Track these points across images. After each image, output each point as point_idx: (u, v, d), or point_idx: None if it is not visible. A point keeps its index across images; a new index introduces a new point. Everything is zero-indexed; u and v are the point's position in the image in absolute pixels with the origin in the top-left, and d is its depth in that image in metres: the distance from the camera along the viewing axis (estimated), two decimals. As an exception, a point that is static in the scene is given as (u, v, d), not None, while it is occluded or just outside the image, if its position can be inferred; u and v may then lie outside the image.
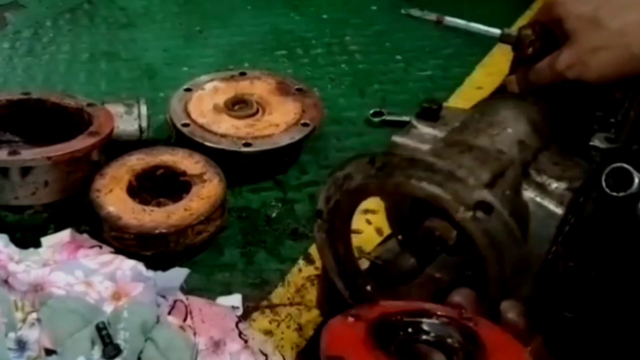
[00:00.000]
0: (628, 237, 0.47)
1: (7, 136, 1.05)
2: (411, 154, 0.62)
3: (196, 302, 0.81)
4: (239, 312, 0.84)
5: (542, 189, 0.62)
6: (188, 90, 1.17)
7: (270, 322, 0.84)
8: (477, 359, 0.48)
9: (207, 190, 0.94)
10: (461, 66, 1.40)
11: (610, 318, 0.49)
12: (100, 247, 0.88)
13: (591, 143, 0.66)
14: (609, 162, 0.48)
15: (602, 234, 0.49)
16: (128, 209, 0.91)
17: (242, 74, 1.21)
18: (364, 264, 0.67)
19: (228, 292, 0.87)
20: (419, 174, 0.57)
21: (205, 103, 1.13)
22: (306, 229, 0.99)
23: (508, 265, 0.55)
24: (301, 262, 0.93)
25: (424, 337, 0.52)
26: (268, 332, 0.82)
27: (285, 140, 1.07)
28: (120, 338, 0.72)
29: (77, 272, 0.81)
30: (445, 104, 0.73)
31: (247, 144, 1.04)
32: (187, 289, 0.83)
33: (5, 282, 0.79)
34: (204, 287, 0.88)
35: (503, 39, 0.74)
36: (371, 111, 1.24)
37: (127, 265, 0.83)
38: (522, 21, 1.51)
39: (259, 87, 1.18)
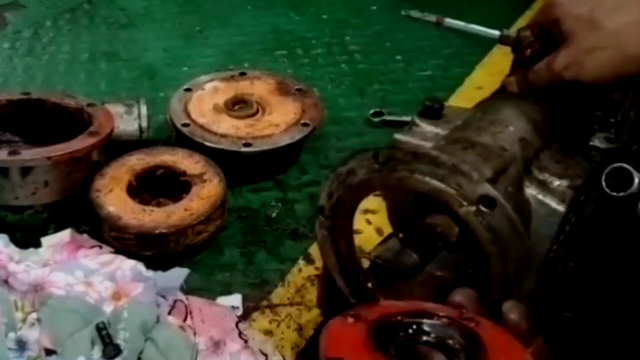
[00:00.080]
0: (628, 237, 0.47)
1: (7, 136, 1.05)
2: (414, 149, 0.62)
3: (196, 302, 0.81)
4: (239, 312, 0.84)
5: (544, 186, 0.62)
6: (188, 90, 1.17)
7: (270, 322, 0.84)
8: None
9: (207, 190, 0.94)
10: (461, 66, 1.40)
11: (610, 318, 0.48)
12: (100, 247, 0.88)
13: (591, 143, 0.66)
14: (609, 162, 0.48)
15: (602, 234, 0.49)
16: (128, 209, 0.91)
17: (242, 74, 1.21)
18: (365, 263, 0.67)
19: (228, 292, 0.87)
20: (422, 168, 0.57)
21: (205, 103, 1.13)
22: (306, 229, 0.99)
23: (511, 260, 0.55)
24: (301, 262, 0.93)
25: (425, 338, 0.51)
26: (268, 332, 0.82)
27: (285, 140, 1.07)
28: (120, 338, 0.72)
29: (77, 272, 0.81)
30: (446, 104, 0.73)
31: (247, 144, 1.04)
32: (187, 289, 0.83)
33: (5, 282, 0.79)
34: (204, 287, 0.88)
35: (502, 40, 0.74)
36: (371, 111, 1.24)
37: (127, 265, 0.83)
38: (522, 21, 1.51)
39: (259, 87, 1.18)
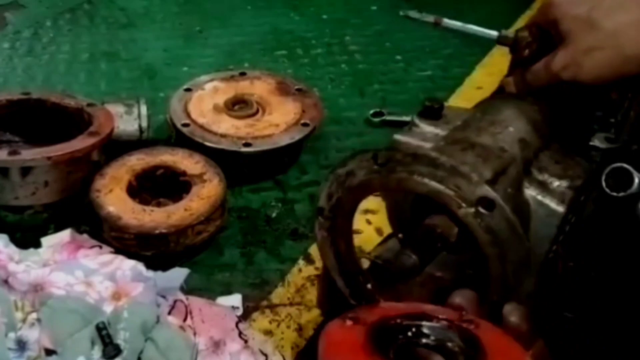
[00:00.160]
0: (628, 237, 0.47)
1: (7, 136, 1.05)
2: (414, 150, 0.63)
3: (196, 302, 0.81)
4: (239, 312, 0.84)
5: (543, 187, 0.62)
6: (188, 90, 1.17)
7: (270, 322, 0.84)
8: None
9: (207, 190, 0.94)
10: (461, 66, 1.40)
11: (610, 318, 0.48)
12: (100, 247, 0.88)
13: (591, 143, 0.66)
14: (609, 162, 0.48)
15: (602, 234, 0.49)
16: (128, 209, 0.91)
17: (242, 74, 1.21)
18: (365, 263, 0.67)
19: (228, 292, 0.87)
20: (421, 169, 0.57)
21: (205, 103, 1.13)
22: (306, 229, 0.99)
23: (510, 262, 0.55)
24: (301, 262, 0.93)
25: (424, 340, 0.51)
26: (268, 332, 0.82)
27: (285, 140, 1.07)
28: (120, 338, 0.72)
29: (77, 272, 0.81)
30: (446, 104, 0.73)
31: (247, 144, 1.04)
32: (187, 289, 0.83)
33: (5, 282, 0.79)
34: (204, 287, 0.88)
35: (500, 40, 0.74)
36: (371, 111, 1.24)
37: (127, 265, 0.83)
38: (521, 21, 1.51)
39: (259, 87, 1.18)
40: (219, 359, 0.76)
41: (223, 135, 1.06)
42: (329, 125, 1.21)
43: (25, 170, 0.90)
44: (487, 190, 0.55)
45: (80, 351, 0.71)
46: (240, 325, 0.79)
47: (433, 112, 0.71)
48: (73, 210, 0.96)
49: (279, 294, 0.88)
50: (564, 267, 0.51)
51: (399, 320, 0.52)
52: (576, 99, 0.70)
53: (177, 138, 1.10)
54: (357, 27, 1.55)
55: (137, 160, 0.99)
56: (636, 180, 0.46)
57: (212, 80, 1.20)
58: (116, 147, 1.01)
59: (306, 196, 1.06)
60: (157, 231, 0.88)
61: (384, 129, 1.20)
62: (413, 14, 0.78)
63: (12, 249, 0.84)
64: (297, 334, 0.83)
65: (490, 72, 1.34)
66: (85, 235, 0.90)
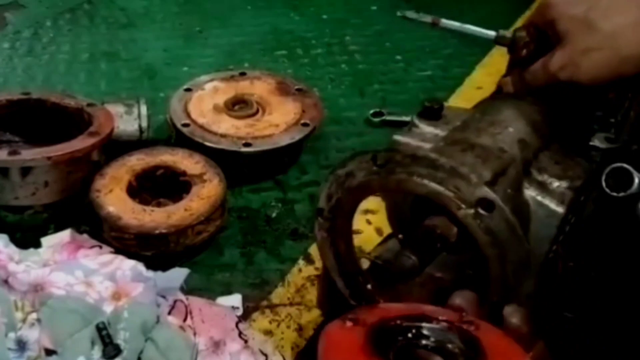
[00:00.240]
0: (628, 237, 0.47)
1: (7, 136, 1.05)
2: (413, 151, 0.63)
3: (196, 302, 0.81)
4: (239, 312, 0.84)
5: (543, 187, 0.62)
6: (188, 90, 1.17)
7: (270, 322, 0.84)
8: None
9: (207, 190, 0.94)
10: (461, 66, 1.40)
11: (610, 318, 0.48)
12: (100, 247, 0.88)
13: (591, 143, 0.66)
14: (609, 162, 0.48)
15: (602, 234, 0.49)
16: (128, 209, 0.91)
17: (242, 74, 1.21)
18: (365, 263, 0.67)
19: (228, 292, 0.87)
20: (421, 171, 0.57)
21: (205, 103, 1.13)
22: (306, 229, 0.99)
23: (510, 263, 0.55)
24: (301, 262, 0.93)
25: (424, 342, 0.51)
26: (268, 332, 0.82)
27: (285, 140, 1.07)
28: (120, 338, 0.72)
29: (77, 272, 0.81)
30: (445, 104, 0.73)
31: (247, 144, 1.04)
32: (187, 289, 0.83)
33: (5, 282, 0.79)
34: (204, 287, 0.88)
35: (498, 40, 0.74)
36: (371, 111, 1.24)
37: (127, 265, 0.83)
38: (521, 21, 1.51)
39: (259, 87, 1.18)
40: (219, 359, 0.76)
41: (223, 135, 1.06)
42: (329, 125, 1.21)
43: (25, 170, 0.90)
44: (486, 192, 0.55)
45: (80, 351, 0.71)
46: (240, 325, 0.79)
47: (433, 112, 0.71)
48: (73, 210, 0.96)
49: (279, 294, 0.88)
50: (564, 267, 0.51)
51: (398, 322, 0.52)
52: (576, 99, 0.70)
53: (177, 138, 1.10)
54: (357, 27, 1.55)
55: (137, 160, 0.99)
56: (636, 180, 0.46)
57: (212, 80, 1.20)
58: (116, 147, 1.01)
59: (306, 196, 1.06)
60: (157, 231, 0.88)
61: (384, 129, 1.20)
62: (410, 14, 0.78)
63: (12, 249, 0.84)
64: (297, 334, 0.83)
65: (490, 72, 1.34)
66: (85, 235, 0.90)
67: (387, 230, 0.90)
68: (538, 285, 0.53)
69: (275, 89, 1.17)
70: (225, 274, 0.92)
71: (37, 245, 0.87)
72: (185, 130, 1.07)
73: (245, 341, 0.78)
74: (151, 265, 0.84)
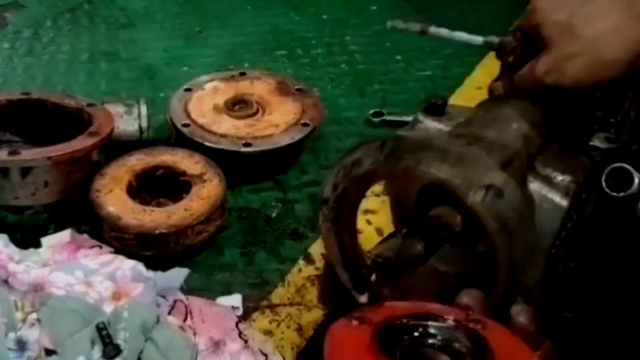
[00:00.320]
0: (628, 237, 0.47)
1: (7, 136, 1.04)
2: (421, 139, 0.63)
3: (196, 302, 0.81)
4: (239, 312, 0.84)
5: (547, 181, 0.62)
6: (188, 90, 1.17)
7: (270, 322, 0.84)
8: None
9: (207, 190, 0.94)
10: (461, 66, 1.40)
11: (610, 318, 0.49)
12: (100, 247, 0.88)
13: (591, 143, 0.66)
14: (609, 162, 0.48)
15: (602, 234, 0.49)
16: (128, 209, 0.91)
17: (242, 74, 1.21)
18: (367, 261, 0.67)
19: (228, 292, 0.87)
20: (428, 157, 0.57)
21: (205, 103, 1.13)
22: (306, 229, 0.99)
23: (518, 249, 0.55)
24: (301, 262, 0.93)
25: (431, 341, 0.51)
26: (268, 332, 0.82)
27: (285, 140, 1.07)
28: (120, 338, 0.72)
29: (77, 272, 0.81)
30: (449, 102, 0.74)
31: (247, 144, 1.04)
32: (187, 289, 0.83)
33: (5, 282, 0.79)
34: (204, 287, 0.88)
35: (486, 47, 0.76)
36: (371, 111, 1.24)
37: (127, 265, 0.83)
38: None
39: (259, 87, 1.18)
40: (219, 359, 0.76)
41: (223, 135, 1.06)
42: (329, 125, 1.21)
43: (25, 170, 0.90)
44: (495, 177, 0.55)
45: (80, 351, 0.71)
46: (240, 325, 0.79)
47: (437, 108, 0.71)
48: (73, 210, 0.95)
49: (279, 294, 0.88)
50: (564, 267, 0.51)
51: (405, 320, 0.52)
52: (572, 99, 0.71)
53: (177, 138, 1.10)
54: (357, 27, 1.55)
55: (137, 160, 0.99)
56: (636, 180, 0.46)
57: (212, 80, 1.20)
58: (116, 147, 1.01)
59: (306, 196, 1.06)
60: (157, 231, 0.88)
61: (384, 129, 1.20)
62: (399, 24, 0.78)
63: (12, 249, 0.84)
64: (297, 334, 0.83)
65: (490, 72, 1.32)
66: (85, 235, 0.90)
67: (387, 229, 0.91)
68: (543, 283, 0.53)
69: (275, 89, 1.17)
70: (225, 274, 0.92)
71: (37, 245, 0.87)
72: (185, 130, 1.07)
73: (245, 341, 0.78)
74: (151, 265, 0.84)
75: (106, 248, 0.88)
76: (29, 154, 0.90)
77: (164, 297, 0.79)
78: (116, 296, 0.79)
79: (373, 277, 0.63)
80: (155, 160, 0.99)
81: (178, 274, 0.82)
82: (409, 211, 0.67)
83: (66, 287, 0.79)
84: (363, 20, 1.58)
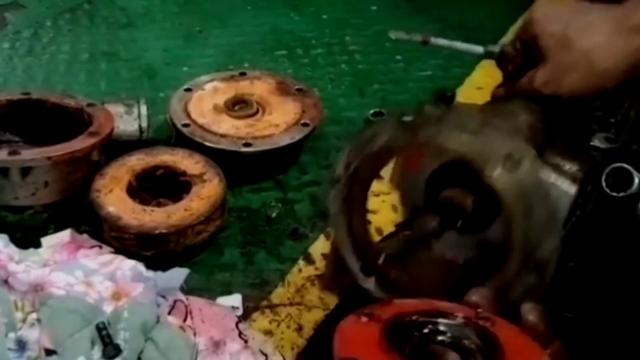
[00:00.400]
0: (628, 237, 0.47)
1: (7, 136, 1.05)
2: (440, 112, 0.63)
3: (196, 302, 0.81)
4: (239, 312, 0.84)
5: (556, 168, 0.62)
6: (188, 90, 1.17)
7: (270, 322, 0.84)
8: None
9: (207, 190, 0.94)
10: (461, 66, 1.40)
11: (610, 318, 0.49)
12: (100, 247, 0.88)
13: (591, 143, 0.66)
14: (609, 162, 0.48)
15: (602, 234, 0.49)
16: (128, 209, 0.91)
17: (242, 74, 1.21)
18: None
19: (228, 292, 0.87)
20: (448, 127, 0.57)
21: (205, 103, 1.13)
22: (306, 229, 0.99)
23: (535, 220, 0.55)
24: (301, 262, 0.93)
25: (440, 338, 0.51)
26: (268, 332, 0.82)
27: (285, 140, 1.07)
28: (120, 338, 0.72)
29: (77, 272, 0.81)
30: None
31: (247, 144, 1.04)
32: (187, 289, 0.83)
33: (5, 282, 0.79)
34: (204, 287, 0.88)
35: (487, 56, 0.76)
36: (371, 111, 1.24)
37: (127, 265, 0.83)
38: (521, 22, 1.51)
39: (259, 87, 1.18)
40: (219, 359, 0.76)
41: (223, 135, 1.06)
42: (329, 125, 1.21)
43: (25, 171, 0.90)
44: (515, 146, 0.55)
45: (80, 351, 0.71)
46: (240, 325, 0.79)
47: (446, 99, 0.72)
48: (73, 210, 0.96)
49: (279, 294, 0.88)
50: (564, 267, 0.51)
51: (414, 317, 0.52)
52: (571, 104, 0.71)
53: (177, 138, 1.10)
54: (357, 27, 1.55)
55: (137, 160, 0.99)
56: (636, 180, 0.46)
57: (212, 80, 1.20)
58: (116, 147, 1.01)
59: (306, 196, 1.06)
60: (157, 231, 0.88)
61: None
62: (401, 35, 0.80)
63: (12, 249, 0.84)
64: (297, 334, 0.83)
65: (490, 72, 1.33)
66: (85, 235, 0.90)
67: (387, 229, 0.91)
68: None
69: (275, 89, 1.17)
70: (225, 274, 0.92)
71: (37, 245, 0.87)
72: (185, 130, 1.07)
73: (245, 341, 0.78)
74: (151, 265, 0.84)
75: (106, 248, 0.88)
76: (29, 154, 0.90)
77: (164, 297, 0.79)
78: (116, 296, 0.79)
79: (381, 259, 0.63)
80: (155, 160, 0.99)
81: (178, 274, 0.82)
82: (418, 198, 0.67)
83: (66, 287, 0.79)
84: (363, 20, 1.58)
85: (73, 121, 1.02)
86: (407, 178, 0.71)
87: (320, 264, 0.92)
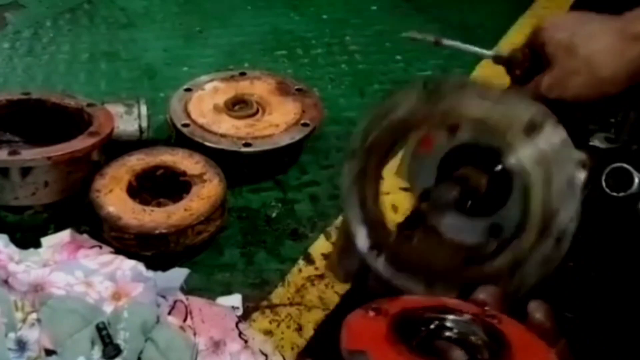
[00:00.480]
0: (628, 237, 0.47)
1: (7, 136, 1.05)
2: (462, 80, 0.63)
3: (196, 302, 0.81)
4: (239, 312, 0.84)
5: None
6: (188, 90, 1.17)
7: (270, 322, 0.84)
8: (502, 358, 0.47)
9: (207, 190, 0.94)
10: (461, 66, 1.40)
11: (610, 318, 0.49)
12: (100, 247, 0.88)
13: (591, 143, 0.67)
14: (609, 162, 0.48)
15: (602, 234, 0.49)
16: (128, 209, 0.91)
17: (242, 74, 1.21)
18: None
19: (228, 292, 0.87)
20: (469, 95, 0.58)
21: (205, 103, 1.13)
22: (306, 229, 0.99)
23: (554, 188, 0.55)
24: (301, 262, 0.93)
25: (447, 333, 0.51)
26: (268, 332, 0.82)
27: (285, 140, 1.07)
28: (120, 338, 0.72)
29: (77, 272, 0.81)
30: None
31: (247, 144, 1.04)
32: (187, 289, 0.83)
33: (5, 282, 0.79)
34: (204, 287, 0.88)
35: (495, 60, 0.79)
36: (371, 111, 1.24)
37: (127, 266, 0.83)
38: (521, 21, 1.51)
39: (259, 87, 1.18)
40: (219, 359, 0.76)
41: (223, 135, 1.06)
42: (329, 125, 1.20)
43: (25, 171, 0.90)
44: (536, 113, 0.56)
45: (80, 351, 0.71)
46: (240, 325, 0.79)
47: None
48: (73, 210, 0.96)
49: (279, 294, 0.88)
50: (564, 267, 0.51)
51: (421, 313, 0.52)
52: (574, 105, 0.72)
53: (177, 138, 1.10)
54: (357, 27, 1.55)
55: (137, 160, 0.99)
56: (636, 180, 0.46)
57: (212, 80, 1.20)
58: (116, 147, 1.01)
59: (306, 196, 1.06)
60: (157, 231, 0.88)
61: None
62: (415, 34, 0.83)
63: (12, 249, 0.84)
64: (297, 334, 0.83)
65: (490, 72, 1.34)
66: (85, 235, 0.90)
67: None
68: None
69: (275, 89, 1.17)
70: (225, 274, 0.92)
71: (37, 245, 0.87)
72: (185, 130, 1.07)
73: (245, 341, 0.78)
74: (151, 265, 0.84)
75: (106, 248, 0.88)
76: (29, 154, 0.90)
77: (164, 297, 0.79)
78: (116, 296, 0.79)
79: (391, 239, 0.63)
80: (155, 160, 0.99)
81: (178, 274, 0.82)
82: (428, 181, 0.67)
83: (66, 287, 0.79)
84: (363, 20, 1.58)
85: (73, 121, 1.02)
86: (418, 160, 0.71)
87: (320, 264, 0.92)
